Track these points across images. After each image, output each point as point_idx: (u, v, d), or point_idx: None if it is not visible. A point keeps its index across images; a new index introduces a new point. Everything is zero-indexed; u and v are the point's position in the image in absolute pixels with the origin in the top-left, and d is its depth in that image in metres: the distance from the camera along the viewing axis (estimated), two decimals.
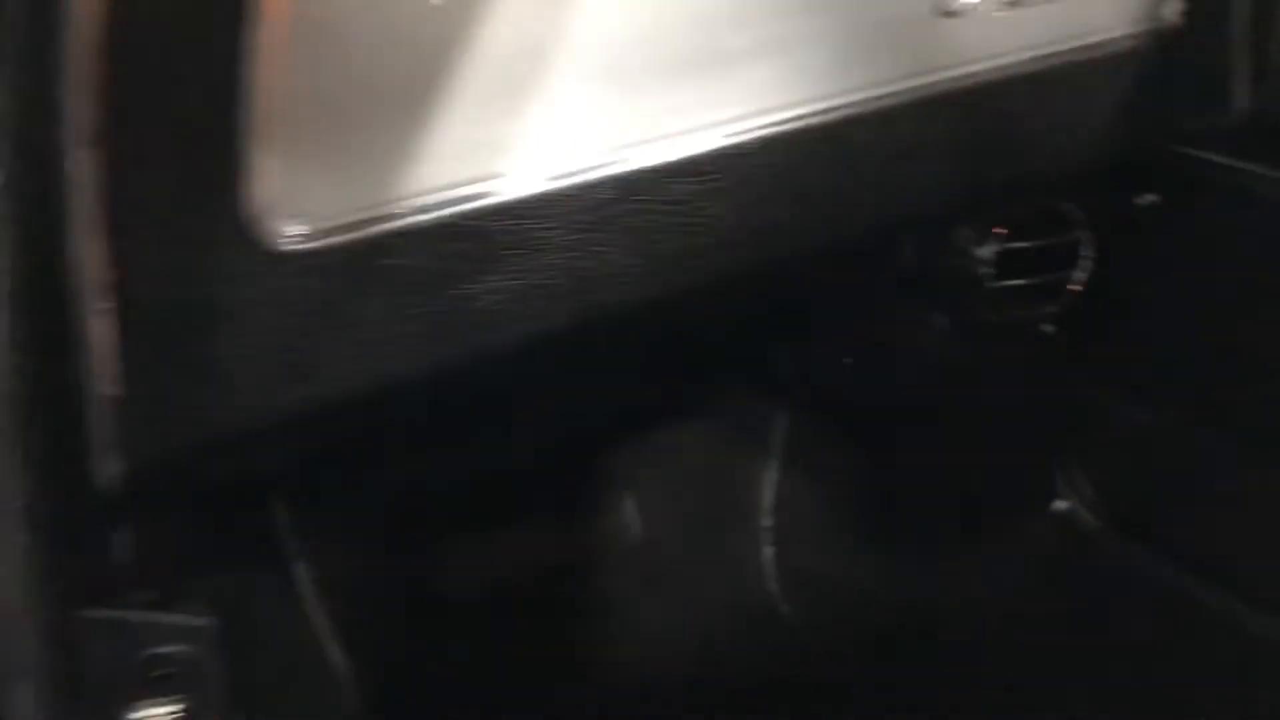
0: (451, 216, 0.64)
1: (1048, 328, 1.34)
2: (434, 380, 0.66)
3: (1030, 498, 1.51)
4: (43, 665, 0.49)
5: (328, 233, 0.60)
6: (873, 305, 1.48)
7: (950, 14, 0.81)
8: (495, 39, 0.63)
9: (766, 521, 1.71)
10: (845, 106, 0.78)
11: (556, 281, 0.68)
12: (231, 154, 0.56)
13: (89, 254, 0.50)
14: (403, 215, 0.62)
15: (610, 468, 1.63)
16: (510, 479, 1.54)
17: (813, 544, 1.70)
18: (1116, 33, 0.92)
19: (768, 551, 1.70)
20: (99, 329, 0.52)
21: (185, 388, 0.56)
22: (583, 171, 0.68)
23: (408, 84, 0.61)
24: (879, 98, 0.79)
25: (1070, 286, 1.17)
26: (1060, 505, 1.50)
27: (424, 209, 0.63)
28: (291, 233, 0.59)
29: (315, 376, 0.61)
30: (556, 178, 0.68)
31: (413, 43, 0.61)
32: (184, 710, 0.56)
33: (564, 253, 0.68)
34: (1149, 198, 1.20)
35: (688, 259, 0.73)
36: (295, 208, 0.59)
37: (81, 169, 0.49)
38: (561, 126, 0.67)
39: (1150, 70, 0.96)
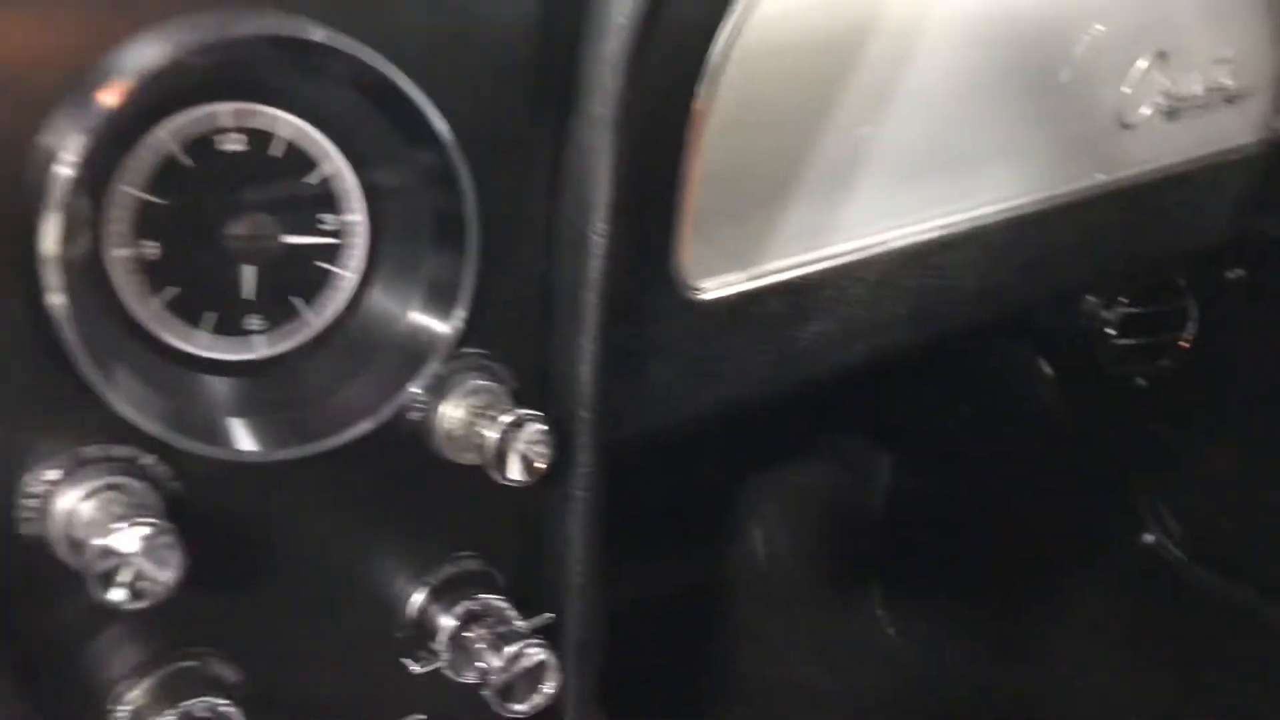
0: (791, 280, 0.85)
1: (1142, 382, 1.55)
2: (769, 404, 0.87)
3: (1121, 533, 1.72)
4: None
5: (716, 288, 0.82)
6: (986, 358, 1.69)
7: (1128, 126, 1.04)
8: (831, 146, 0.85)
9: (874, 552, 1.91)
10: (1052, 198, 1.00)
11: (857, 328, 0.90)
12: (670, 233, 0.77)
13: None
14: (763, 277, 0.84)
15: (741, 501, 1.84)
16: (662, 508, 1.74)
17: (917, 573, 1.89)
18: (1243, 140, 1.15)
19: (876, 578, 1.90)
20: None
21: (632, 396, 0.77)
22: (875, 246, 0.90)
23: (770, 189, 0.83)
24: (1075, 191, 1.02)
25: (1180, 344, 1.39)
26: (1148, 539, 1.70)
27: (775, 273, 0.84)
28: (698, 287, 0.80)
29: (702, 393, 0.82)
30: (855, 251, 0.89)
31: (776, 157, 0.83)
32: None
33: (861, 306, 0.90)
34: (1237, 271, 1.43)
35: (942, 312, 0.95)
36: (699, 271, 0.80)
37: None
38: (862, 214, 0.89)
39: (1264, 168, 1.18)
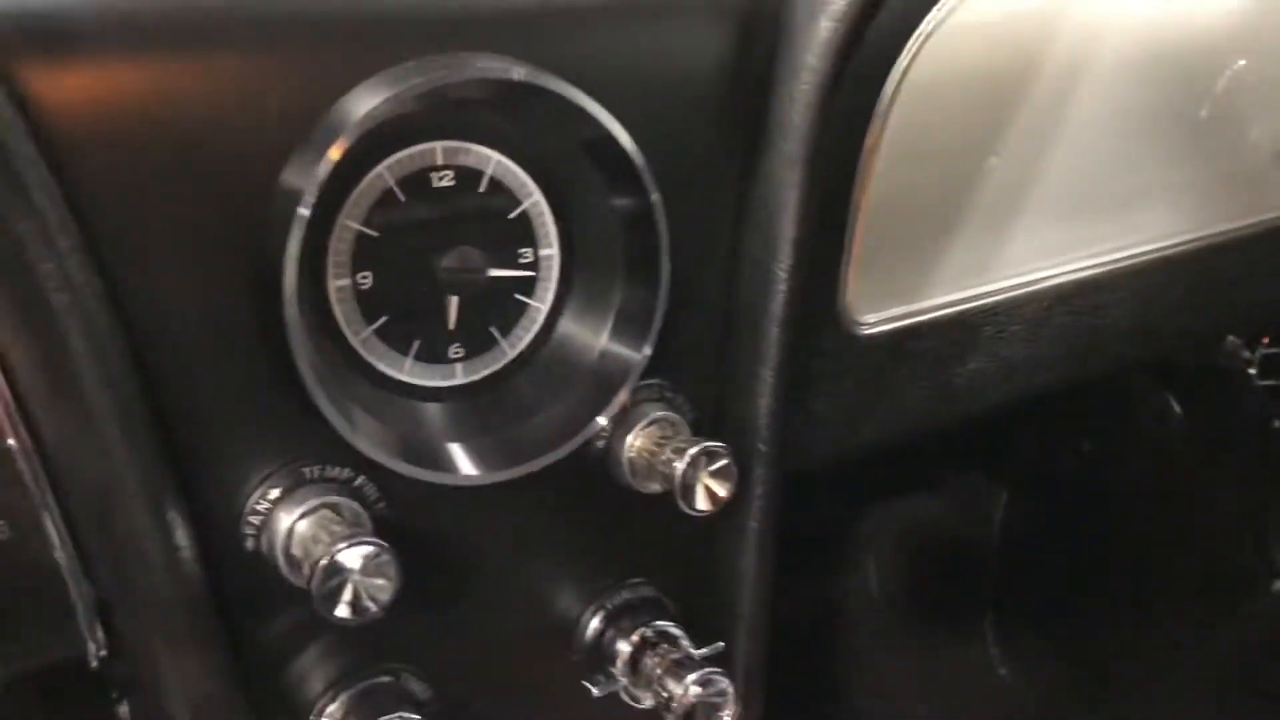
0: (950, 315, 0.86)
1: (1276, 423, 1.52)
2: (925, 439, 0.88)
3: (1252, 577, 1.67)
4: None
5: (879, 322, 0.82)
6: (1111, 394, 1.67)
7: None
8: (990, 184, 0.85)
9: (988, 589, 1.89)
10: (1209, 237, 0.99)
11: (1014, 365, 0.89)
12: (839, 266, 0.78)
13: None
14: (922, 314, 0.84)
15: (857, 533, 1.83)
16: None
17: (1031, 612, 1.86)
18: None
19: (989, 615, 1.88)
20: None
21: (796, 429, 0.78)
22: (1032, 284, 0.90)
23: (931, 225, 0.84)
24: (1231, 230, 1.00)
25: None
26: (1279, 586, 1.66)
27: (936, 308, 0.85)
28: (861, 321, 0.81)
29: (863, 426, 0.83)
30: (1014, 289, 0.89)
31: (937, 194, 0.84)
32: None
33: (1019, 343, 0.90)
34: None
35: (1096, 351, 0.94)
36: (863, 305, 0.81)
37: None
38: (1021, 250, 0.89)
39: None
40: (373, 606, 0.55)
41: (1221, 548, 1.72)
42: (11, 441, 0.54)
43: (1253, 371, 1.34)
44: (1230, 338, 1.36)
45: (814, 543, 1.78)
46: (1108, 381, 1.60)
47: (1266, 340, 1.34)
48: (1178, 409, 1.59)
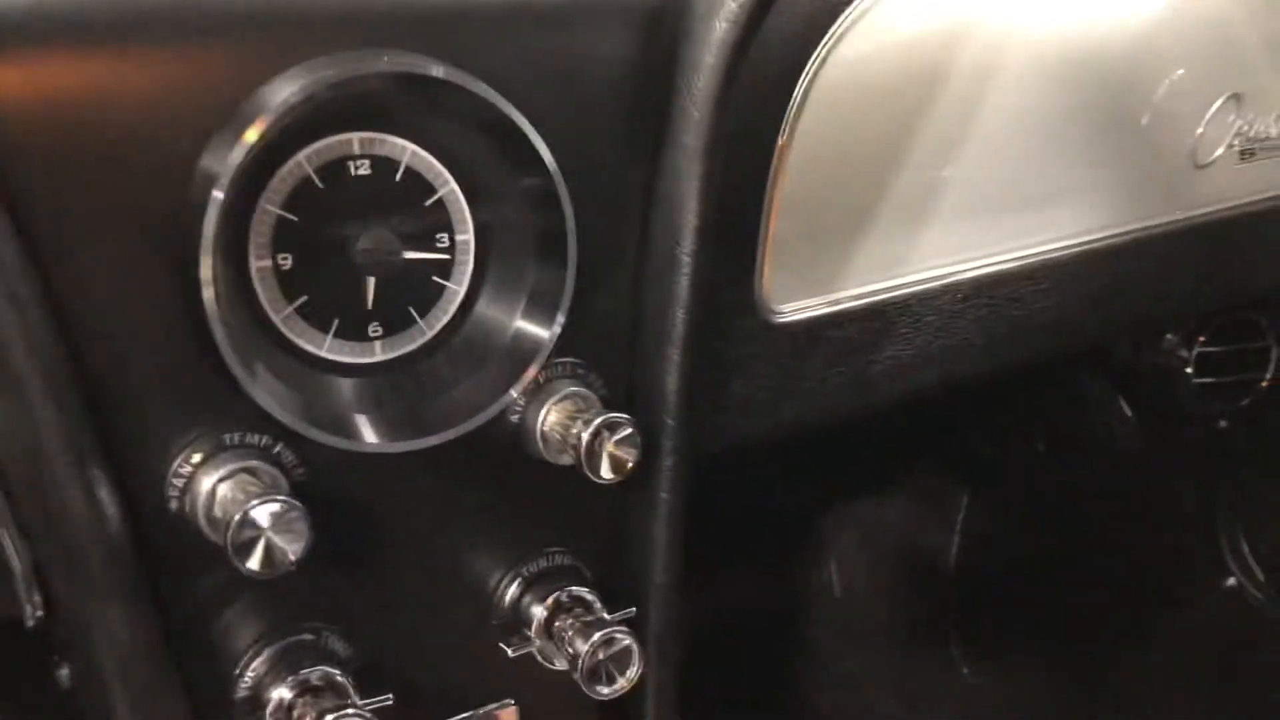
0: (867, 305, 0.90)
1: (1223, 422, 1.56)
2: (845, 424, 0.92)
3: (1203, 574, 1.71)
4: None
5: (795, 311, 0.87)
6: (1063, 394, 1.71)
7: (1201, 166, 1.07)
8: (910, 180, 0.90)
9: (950, 588, 1.92)
10: (1126, 233, 1.03)
11: (930, 353, 0.94)
12: (754, 259, 0.83)
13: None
14: (840, 303, 0.89)
15: (819, 532, 1.87)
16: (735, 530, 1.77)
17: (993, 612, 1.90)
18: None
19: (951, 616, 1.91)
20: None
21: (717, 411, 0.83)
22: (949, 275, 0.94)
23: (849, 219, 0.88)
24: (1148, 227, 1.05)
25: (1261, 384, 1.40)
26: (1230, 582, 1.69)
27: (852, 299, 0.89)
28: (778, 310, 0.85)
29: (781, 410, 0.87)
30: (930, 280, 0.94)
31: (856, 190, 0.88)
32: None
33: (935, 333, 0.94)
34: None
35: (1015, 341, 0.98)
36: (780, 295, 0.86)
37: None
38: (937, 244, 0.94)
39: None
40: (283, 560, 0.59)
41: (1175, 545, 1.75)
42: None
43: (1189, 370, 1.38)
44: (1169, 336, 1.41)
45: (778, 541, 1.82)
46: (1053, 380, 1.64)
47: (1202, 339, 1.38)
48: (1127, 409, 1.63)
